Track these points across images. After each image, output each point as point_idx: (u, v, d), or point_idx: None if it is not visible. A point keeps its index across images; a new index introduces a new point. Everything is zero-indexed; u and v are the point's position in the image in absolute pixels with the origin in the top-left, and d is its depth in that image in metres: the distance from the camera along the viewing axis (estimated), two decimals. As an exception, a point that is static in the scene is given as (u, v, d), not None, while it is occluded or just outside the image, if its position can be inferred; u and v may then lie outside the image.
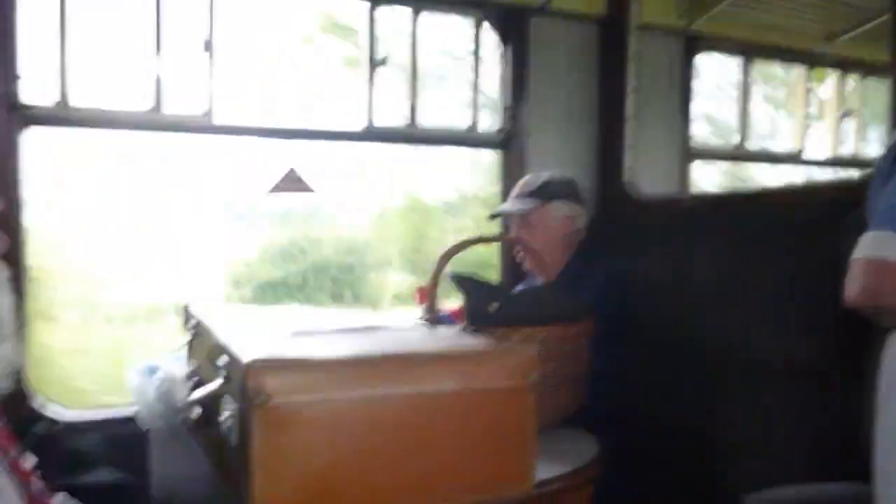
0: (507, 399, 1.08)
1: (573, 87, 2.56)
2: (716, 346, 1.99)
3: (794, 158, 3.29)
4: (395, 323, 1.38)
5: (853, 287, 1.15)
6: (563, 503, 1.41)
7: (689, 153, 2.83)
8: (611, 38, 2.54)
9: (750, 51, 2.98)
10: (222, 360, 1.08)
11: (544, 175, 2.14)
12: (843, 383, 1.61)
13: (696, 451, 1.91)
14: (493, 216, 2.24)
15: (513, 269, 2.44)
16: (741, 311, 1.93)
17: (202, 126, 2.09)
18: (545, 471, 1.29)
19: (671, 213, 2.30)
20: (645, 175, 2.56)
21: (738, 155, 3.06)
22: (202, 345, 1.35)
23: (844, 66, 3.30)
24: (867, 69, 3.38)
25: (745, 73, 3.02)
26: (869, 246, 1.15)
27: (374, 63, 2.30)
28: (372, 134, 2.33)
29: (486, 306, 1.45)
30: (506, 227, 2.38)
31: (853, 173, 3.41)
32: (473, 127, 2.50)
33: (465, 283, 1.57)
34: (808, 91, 3.33)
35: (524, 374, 1.09)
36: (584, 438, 1.57)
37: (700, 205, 2.30)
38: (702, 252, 2.06)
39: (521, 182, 2.15)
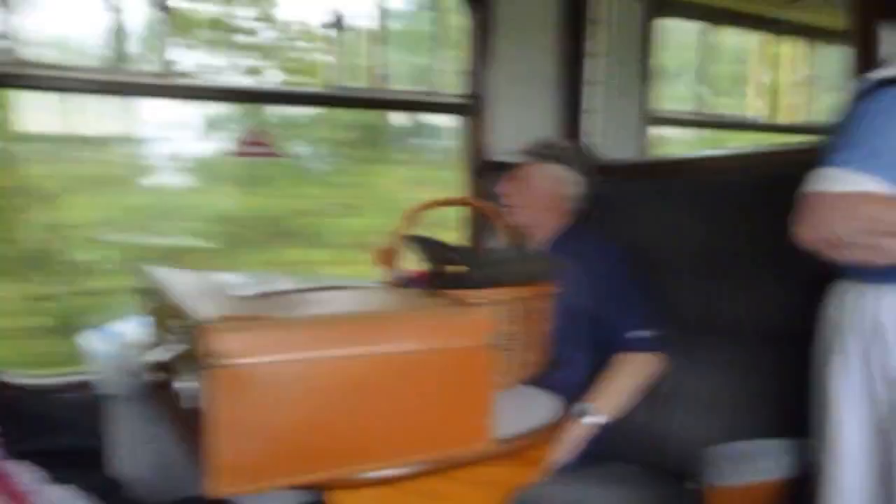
0: (465, 359, 1.10)
1: (537, 51, 2.55)
2: (683, 310, 2.01)
3: (754, 125, 3.34)
4: (356, 284, 1.38)
5: (798, 222, 1.21)
6: (525, 459, 1.45)
7: (649, 117, 2.85)
8: (574, 2, 2.53)
9: (710, 16, 3.00)
10: (180, 321, 1.08)
11: (551, 138, 2.15)
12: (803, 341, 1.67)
13: (665, 409, 1.96)
14: (490, 165, 2.25)
15: (477, 231, 2.45)
16: (708, 274, 1.96)
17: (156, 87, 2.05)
18: (508, 428, 1.31)
19: (634, 177, 2.31)
20: (607, 139, 2.57)
21: (699, 121, 3.10)
22: (160, 307, 1.34)
23: (803, 31, 3.34)
24: (826, 34, 3.43)
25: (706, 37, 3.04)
26: (814, 181, 1.20)
27: (340, 24, 2.27)
28: (333, 96, 2.30)
29: (447, 268, 1.46)
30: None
31: (810, 138, 3.47)
32: (436, 91, 2.48)
33: (427, 244, 1.57)
34: (769, 57, 3.36)
35: (482, 335, 1.11)
36: (548, 398, 1.60)
37: (663, 169, 2.32)
38: (667, 217, 2.07)
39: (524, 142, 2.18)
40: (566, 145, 2.17)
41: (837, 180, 1.17)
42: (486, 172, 2.42)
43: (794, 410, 1.66)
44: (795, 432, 1.65)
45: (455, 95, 2.49)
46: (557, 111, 2.58)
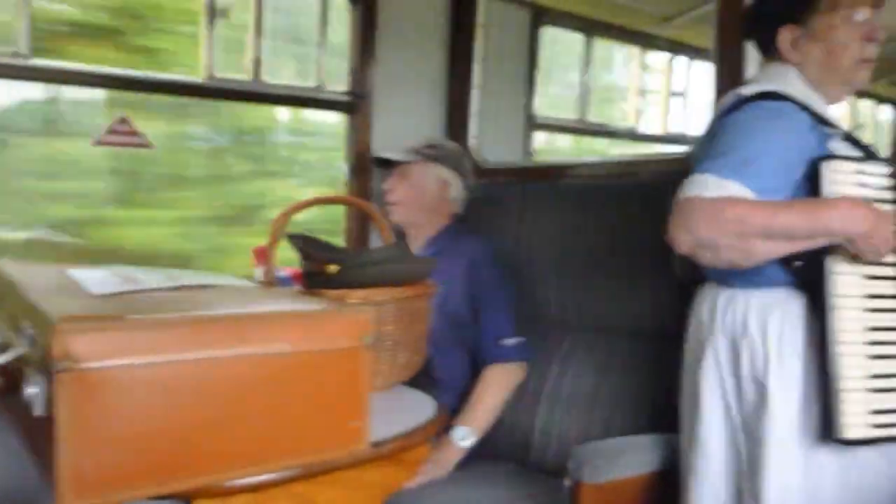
0: (340, 361, 1.07)
1: (424, 53, 2.55)
2: (562, 311, 2.07)
3: (631, 134, 3.48)
4: (226, 282, 1.33)
5: (672, 225, 1.26)
6: (401, 462, 1.43)
7: (533, 123, 2.91)
8: (460, 5, 2.55)
9: (590, 28, 3.10)
10: (29, 321, 0.99)
11: (437, 138, 2.17)
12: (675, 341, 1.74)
13: (542, 408, 1.99)
14: (377, 161, 2.22)
15: (359, 231, 2.42)
16: (586, 275, 2.02)
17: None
18: (384, 430, 1.30)
19: (516, 180, 2.35)
20: (490, 143, 2.61)
21: (579, 128, 3.19)
22: (9, 306, 1.23)
23: (677, 48, 3.51)
24: (698, 52, 3.62)
25: (587, 48, 3.15)
26: (686, 187, 1.25)
27: (215, 12, 2.18)
28: (212, 88, 2.21)
29: (324, 267, 1.43)
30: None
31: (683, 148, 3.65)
32: (320, 87, 2.43)
33: (304, 242, 1.53)
34: (644, 70, 3.52)
35: (357, 336, 1.08)
36: (425, 398, 1.59)
37: (545, 173, 2.37)
38: (547, 220, 2.12)
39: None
40: (451, 146, 2.19)
41: (709, 186, 1.23)
42: (371, 171, 2.40)
43: (666, 407, 1.74)
44: (666, 428, 1.73)
45: (340, 93, 2.45)
46: (444, 113, 2.59)
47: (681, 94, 3.52)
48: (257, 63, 2.28)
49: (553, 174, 2.32)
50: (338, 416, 1.10)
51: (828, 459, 1.30)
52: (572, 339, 2.04)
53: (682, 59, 3.50)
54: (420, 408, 1.52)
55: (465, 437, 1.81)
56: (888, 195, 1.30)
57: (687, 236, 1.24)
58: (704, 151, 1.36)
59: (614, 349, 1.96)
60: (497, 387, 1.91)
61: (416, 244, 2.10)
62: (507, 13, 2.77)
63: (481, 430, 1.86)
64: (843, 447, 1.27)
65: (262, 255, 1.51)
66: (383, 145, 2.35)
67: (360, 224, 2.42)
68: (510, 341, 1.93)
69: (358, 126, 2.45)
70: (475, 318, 1.95)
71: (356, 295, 1.41)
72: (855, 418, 1.25)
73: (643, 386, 1.87)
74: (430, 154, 2.10)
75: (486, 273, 1.97)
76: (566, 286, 2.05)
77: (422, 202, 2.08)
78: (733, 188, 1.22)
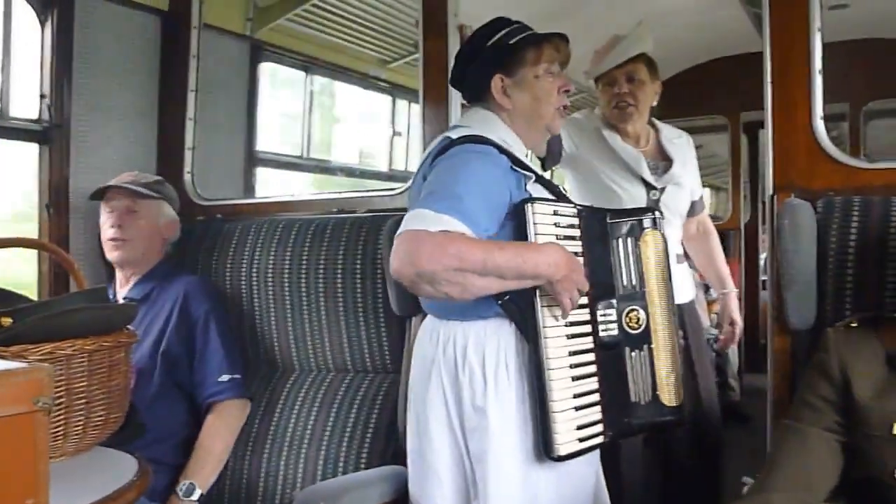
0: (6, 431, 0.93)
1: (132, 82, 2.38)
2: (280, 350, 2.04)
3: (355, 171, 3.55)
4: None
5: (395, 257, 1.29)
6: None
7: (254, 159, 2.85)
8: (173, 34, 2.43)
9: (311, 66, 3.13)
10: None
11: (149, 175, 2.09)
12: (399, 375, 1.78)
13: (265, 450, 1.93)
14: (101, 191, 2.02)
15: (54, 277, 2.16)
16: (305, 313, 2.00)
17: None
18: (76, 498, 1.16)
19: (234, 216, 2.27)
20: (209, 178, 2.50)
21: (302, 164, 3.19)
22: None
23: (397, 90, 3.67)
24: (414, 94, 3.81)
25: (308, 86, 3.16)
26: (408, 222, 1.31)
27: None
28: None
29: (-3, 321, 1.24)
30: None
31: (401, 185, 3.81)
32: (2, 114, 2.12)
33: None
34: (362, 110, 3.62)
35: (29, 399, 0.95)
36: (125, 458, 1.45)
37: (266, 209, 2.33)
38: (265, 256, 2.07)
39: (125, 175, 2.04)
40: (162, 182, 2.10)
41: (429, 221, 1.29)
42: (67, 209, 2.17)
43: (394, 440, 1.77)
44: (392, 460, 1.76)
45: (29, 121, 2.18)
46: (157, 147, 2.44)
47: (399, 134, 3.67)
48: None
49: (272, 210, 2.29)
50: (9, 496, 0.95)
51: (543, 473, 1.42)
52: (296, 378, 2.02)
53: (402, 102, 3.66)
54: (120, 469, 1.38)
55: (190, 491, 1.74)
56: (575, 232, 1.46)
57: (409, 269, 1.28)
58: (421, 190, 1.43)
59: (338, 386, 1.97)
60: (220, 431, 1.86)
61: (128, 283, 2.00)
62: (224, 45, 2.69)
63: (208, 480, 1.80)
64: (557, 462, 1.39)
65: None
66: (87, 180, 2.15)
67: (55, 269, 2.16)
68: (228, 378, 1.88)
69: (54, 158, 2.19)
70: (191, 357, 1.88)
71: (39, 350, 1.25)
72: (565, 436, 1.38)
73: (369, 421, 1.89)
74: (160, 191, 2.04)
75: (199, 308, 1.92)
76: (288, 324, 2.03)
77: (151, 240, 2.01)
78: (451, 223, 1.29)
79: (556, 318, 1.40)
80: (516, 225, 1.40)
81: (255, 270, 2.07)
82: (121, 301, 1.95)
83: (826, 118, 1.67)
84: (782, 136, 1.69)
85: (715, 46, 4.32)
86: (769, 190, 1.70)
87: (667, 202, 2.14)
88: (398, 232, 1.31)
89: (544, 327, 1.38)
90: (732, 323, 2.41)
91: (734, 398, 4.18)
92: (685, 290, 2.24)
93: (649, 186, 2.13)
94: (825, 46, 1.67)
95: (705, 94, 4.51)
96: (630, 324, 1.45)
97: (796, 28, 1.67)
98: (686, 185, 2.23)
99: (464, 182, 1.36)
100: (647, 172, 2.13)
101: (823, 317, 1.55)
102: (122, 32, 2.34)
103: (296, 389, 2.00)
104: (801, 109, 1.67)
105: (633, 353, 1.46)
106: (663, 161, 2.21)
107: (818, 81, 1.66)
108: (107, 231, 1.97)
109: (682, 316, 2.12)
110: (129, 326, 1.48)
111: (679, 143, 2.27)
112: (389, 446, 1.83)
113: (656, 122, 2.31)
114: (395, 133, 3.64)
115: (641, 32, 2.19)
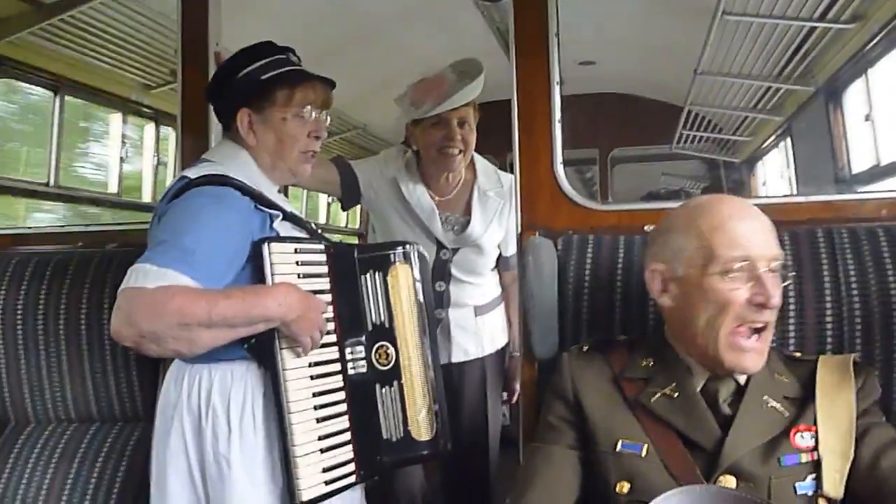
0: None
1: None
2: (13, 400, 1.85)
3: (106, 201, 3.29)
4: None
5: (114, 318, 1.21)
6: None
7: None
8: None
9: (62, 86, 2.87)
10: None
11: None
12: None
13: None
14: None
15: None
16: (43, 358, 1.83)
17: None
18: None
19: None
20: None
21: (50, 192, 2.89)
22: None
23: (161, 116, 3.46)
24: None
25: (59, 107, 2.88)
26: (129, 278, 1.22)
27: None
28: None
29: None
30: None
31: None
32: None
33: None
34: (124, 136, 3.37)
35: None
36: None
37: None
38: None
39: None
40: None
41: (150, 276, 1.21)
42: None
43: (146, 493, 1.64)
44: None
45: None
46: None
47: (164, 164, 3.47)
48: None
49: (4, 244, 2.07)
50: None
51: None
52: (31, 432, 1.84)
53: (167, 129, 3.46)
54: None
55: None
56: (322, 269, 1.44)
57: (129, 330, 1.20)
58: (153, 236, 1.34)
59: (81, 438, 1.83)
60: None
61: None
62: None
63: None
64: None
65: None
66: None
67: None
68: None
69: None
70: None
71: None
72: (309, 480, 1.35)
73: (116, 475, 1.77)
74: None
75: None
76: (21, 372, 1.84)
77: None
78: (175, 278, 1.21)
79: (298, 358, 1.37)
80: (255, 266, 1.36)
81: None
82: None
83: (579, 162, 1.82)
84: (529, 180, 1.80)
85: (494, 91, 4.59)
86: (518, 229, 1.79)
87: (460, 263, 2.11)
88: (120, 288, 1.23)
89: (284, 369, 1.36)
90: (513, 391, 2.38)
91: (504, 423, 4.38)
92: (495, 338, 2.23)
93: (440, 245, 2.10)
94: (573, 98, 1.81)
95: (480, 134, 4.75)
96: (380, 360, 1.46)
97: (539, 80, 1.80)
98: (486, 246, 2.15)
99: (194, 232, 1.29)
100: (440, 230, 2.09)
101: (565, 345, 1.64)
102: None
103: (30, 445, 1.82)
104: (544, 155, 1.79)
105: (383, 390, 1.47)
106: (464, 216, 2.14)
107: (558, 130, 1.80)
108: None
109: (483, 367, 2.16)
110: None
111: (494, 196, 2.18)
112: (140, 501, 1.69)
113: (480, 167, 2.22)
114: (159, 162, 3.43)
115: (479, 74, 2.11)
